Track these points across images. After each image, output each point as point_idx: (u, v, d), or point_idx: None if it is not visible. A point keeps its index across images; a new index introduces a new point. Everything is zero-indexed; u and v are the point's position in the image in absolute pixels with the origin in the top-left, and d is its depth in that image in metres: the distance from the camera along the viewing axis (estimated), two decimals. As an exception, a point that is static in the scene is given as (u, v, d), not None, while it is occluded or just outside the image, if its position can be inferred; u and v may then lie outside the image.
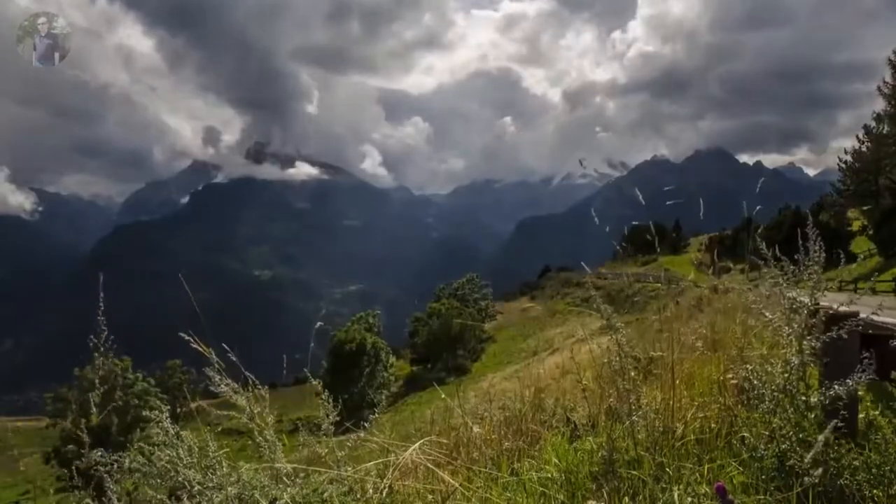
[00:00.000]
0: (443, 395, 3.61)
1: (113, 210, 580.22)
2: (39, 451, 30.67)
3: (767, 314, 2.30)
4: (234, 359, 2.21)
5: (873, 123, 32.04)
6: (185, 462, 2.03)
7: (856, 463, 1.87)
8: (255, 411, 2.14)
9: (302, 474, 2.16)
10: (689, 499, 1.76)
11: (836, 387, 1.95)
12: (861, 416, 2.23)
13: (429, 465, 2.06)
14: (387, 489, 2.04)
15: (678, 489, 1.82)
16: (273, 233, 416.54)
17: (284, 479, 2.09)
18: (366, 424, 2.72)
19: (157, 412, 2.13)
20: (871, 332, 2.23)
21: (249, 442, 2.17)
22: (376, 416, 2.57)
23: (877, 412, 2.36)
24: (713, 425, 2.27)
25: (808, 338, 2.11)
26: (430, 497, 2.05)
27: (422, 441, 2.21)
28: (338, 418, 2.34)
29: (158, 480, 2.01)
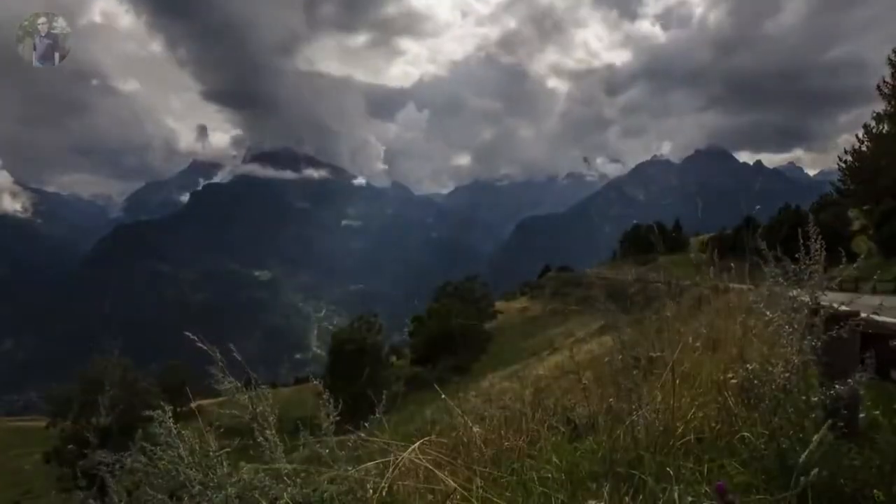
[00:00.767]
0: (443, 395, 3.61)
1: (113, 210, 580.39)
2: (39, 451, 30.72)
3: (768, 313, 2.31)
4: (238, 357, 2.22)
5: (873, 123, 32.04)
6: (186, 462, 2.03)
7: (856, 462, 1.87)
8: (258, 410, 2.15)
9: (302, 474, 2.16)
10: (690, 498, 1.76)
11: (837, 386, 1.95)
12: (861, 415, 2.23)
13: (428, 465, 2.06)
14: (387, 489, 2.04)
15: (678, 488, 1.82)
16: (273, 233, 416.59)
17: (285, 478, 2.09)
18: (366, 424, 2.72)
19: (158, 412, 2.13)
20: (871, 331, 2.23)
21: (250, 442, 2.18)
22: (376, 416, 2.57)
23: (877, 412, 2.37)
24: (713, 425, 2.28)
25: (809, 337, 2.11)
26: (430, 497, 2.06)
27: (422, 441, 2.21)
28: (338, 418, 2.34)
29: (160, 480, 2.01)
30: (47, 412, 37.59)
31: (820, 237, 2.25)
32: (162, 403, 2.17)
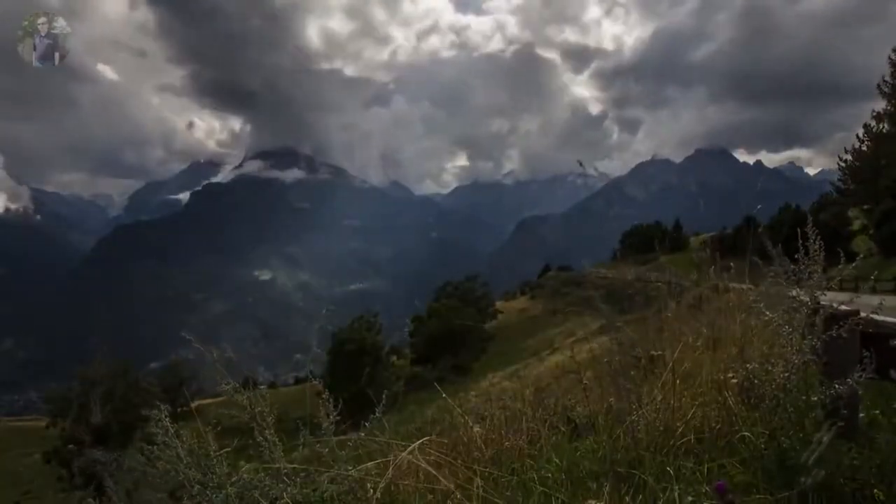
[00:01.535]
0: (443, 395, 3.61)
1: (113, 210, 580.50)
2: (39, 451, 30.69)
3: (768, 313, 2.30)
4: (233, 358, 2.22)
5: (873, 122, 31.99)
6: (185, 462, 2.03)
7: (856, 462, 1.87)
8: (256, 410, 2.14)
9: (302, 474, 2.16)
10: (690, 498, 1.76)
11: (837, 386, 1.95)
12: (861, 414, 2.23)
13: (427, 466, 2.06)
14: (387, 488, 2.04)
15: (679, 488, 1.82)
16: (273, 233, 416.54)
17: (285, 478, 2.09)
18: (366, 424, 2.72)
19: (156, 412, 2.13)
20: (871, 330, 2.23)
21: (250, 441, 2.18)
22: (377, 416, 2.57)
23: (877, 411, 2.36)
24: (713, 424, 2.27)
25: (809, 337, 2.11)
26: (430, 497, 2.06)
27: (422, 440, 2.21)
28: (338, 418, 2.34)
29: (159, 480, 2.01)
30: (47, 412, 37.57)
31: (819, 237, 2.25)
32: (159, 403, 2.17)
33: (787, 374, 2.10)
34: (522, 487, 2.08)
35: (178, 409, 38.51)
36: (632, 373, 2.17)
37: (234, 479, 2.01)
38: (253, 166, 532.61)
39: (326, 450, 2.23)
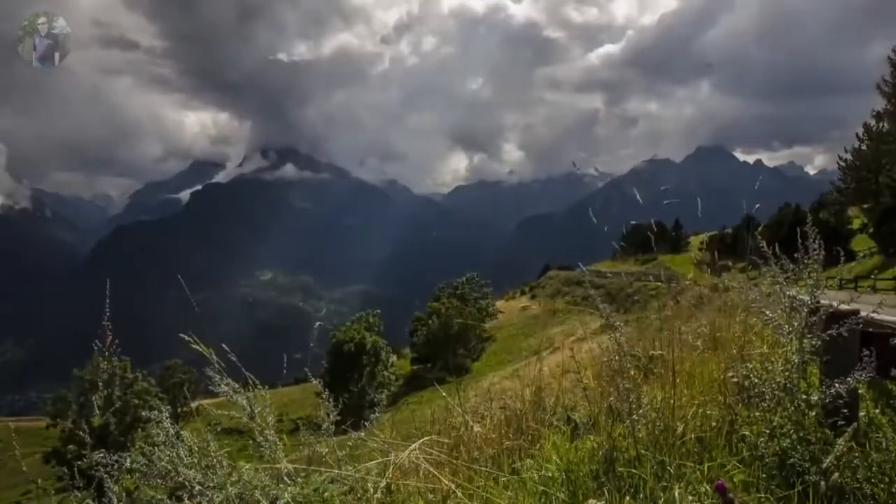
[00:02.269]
0: (443, 395, 3.61)
1: (113, 210, 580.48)
2: (39, 451, 30.69)
3: (768, 312, 2.30)
4: (233, 358, 2.21)
5: (873, 121, 31.99)
6: (185, 462, 2.02)
7: (856, 461, 1.87)
8: (256, 411, 2.14)
9: (302, 474, 2.16)
10: (690, 497, 1.76)
11: (837, 385, 1.95)
12: (861, 414, 2.23)
13: (428, 465, 2.06)
14: (387, 488, 2.04)
15: (679, 488, 1.82)
16: (273, 233, 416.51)
17: (285, 478, 2.09)
18: (366, 424, 2.72)
19: (156, 412, 2.13)
20: (871, 329, 2.23)
21: (250, 442, 2.17)
22: (377, 415, 2.57)
23: (877, 410, 2.36)
24: (714, 424, 2.27)
25: (809, 336, 2.11)
26: (430, 496, 2.05)
27: (422, 440, 2.21)
28: (338, 418, 2.34)
29: (159, 480, 2.01)
30: (47, 412, 37.58)
31: (819, 236, 2.25)
32: (159, 404, 2.17)
33: (787, 374, 2.10)
34: (523, 487, 2.08)
35: (179, 410, 38.55)
36: (632, 373, 2.17)
37: (234, 479, 2.01)
38: (253, 166, 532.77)
39: (326, 450, 2.23)
